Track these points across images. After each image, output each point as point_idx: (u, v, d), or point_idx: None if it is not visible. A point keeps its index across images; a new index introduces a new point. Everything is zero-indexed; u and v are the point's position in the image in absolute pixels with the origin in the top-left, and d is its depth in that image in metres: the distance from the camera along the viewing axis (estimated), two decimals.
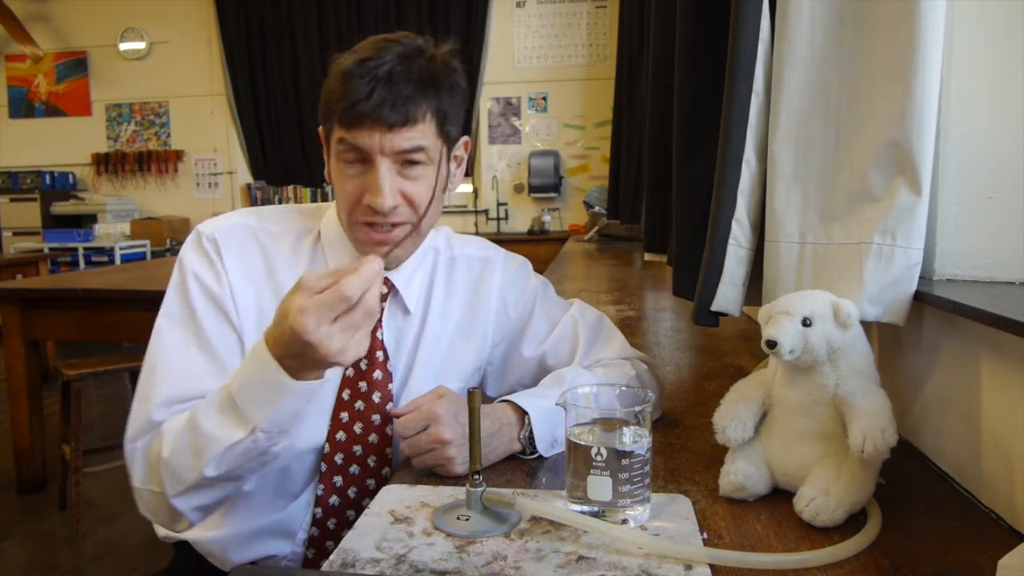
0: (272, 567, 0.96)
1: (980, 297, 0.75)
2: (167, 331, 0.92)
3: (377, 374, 0.98)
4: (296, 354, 0.70)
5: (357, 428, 0.97)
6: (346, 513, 0.97)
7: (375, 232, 0.92)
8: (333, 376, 0.96)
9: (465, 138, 0.99)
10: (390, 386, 0.99)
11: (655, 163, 1.52)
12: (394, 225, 0.91)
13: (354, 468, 0.97)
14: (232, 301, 0.93)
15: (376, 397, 0.97)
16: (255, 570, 0.89)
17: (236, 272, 0.94)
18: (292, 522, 0.97)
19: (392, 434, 0.97)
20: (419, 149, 0.89)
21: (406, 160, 0.89)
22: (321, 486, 0.96)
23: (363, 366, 0.97)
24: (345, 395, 0.97)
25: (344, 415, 0.96)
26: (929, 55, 0.78)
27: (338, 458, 0.96)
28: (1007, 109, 0.83)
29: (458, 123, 0.94)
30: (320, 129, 0.96)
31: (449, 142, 0.93)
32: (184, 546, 1.03)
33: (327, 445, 0.96)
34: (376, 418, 0.97)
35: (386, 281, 0.99)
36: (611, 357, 1.07)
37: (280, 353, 0.72)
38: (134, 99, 6.60)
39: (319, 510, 0.97)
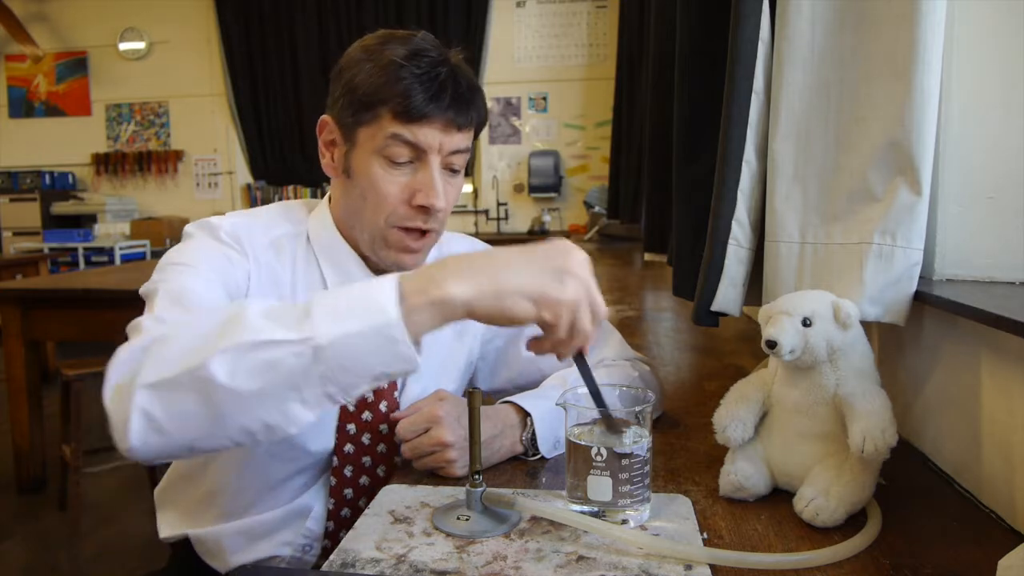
0: (272, 568, 0.96)
1: (980, 297, 0.75)
2: (164, 273, 0.86)
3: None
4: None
5: (365, 439, 0.96)
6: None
7: (410, 238, 0.90)
8: None
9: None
10: (395, 394, 0.98)
11: (655, 163, 1.52)
12: (425, 232, 0.91)
13: (364, 479, 0.96)
14: (246, 284, 0.89)
15: (383, 406, 0.97)
16: (255, 570, 0.89)
17: (256, 270, 0.91)
18: (297, 532, 0.96)
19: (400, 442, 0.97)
20: (467, 151, 0.91)
21: (449, 165, 0.90)
22: (332, 500, 0.96)
23: None
24: (350, 406, 0.95)
25: (351, 427, 0.95)
26: (929, 54, 0.78)
27: (347, 471, 0.96)
28: (1007, 109, 0.83)
29: None
30: (327, 117, 0.92)
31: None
32: (183, 546, 1.03)
33: (335, 458, 0.95)
34: (383, 428, 0.96)
35: None
36: (612, 358, 1.07)
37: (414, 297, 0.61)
38: (134, 99, 6.60)
39: (331, 524, 0.96)
